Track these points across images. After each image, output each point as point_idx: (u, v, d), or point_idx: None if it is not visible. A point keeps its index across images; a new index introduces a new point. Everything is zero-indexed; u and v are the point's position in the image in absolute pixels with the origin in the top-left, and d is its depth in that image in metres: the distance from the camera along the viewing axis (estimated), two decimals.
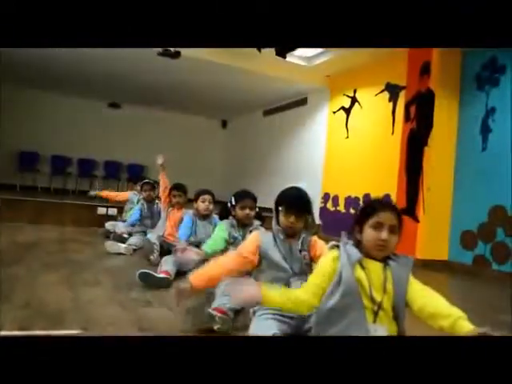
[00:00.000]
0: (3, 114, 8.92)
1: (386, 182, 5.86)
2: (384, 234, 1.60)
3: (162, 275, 3.03)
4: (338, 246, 1.69)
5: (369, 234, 1.64)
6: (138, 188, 5.79)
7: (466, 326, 1.43)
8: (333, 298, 1.58)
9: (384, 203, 1.75)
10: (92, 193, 6.30)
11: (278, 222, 2.11)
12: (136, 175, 7.79)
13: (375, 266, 1.61)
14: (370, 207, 1.70)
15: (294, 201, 2.09)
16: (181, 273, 3.35)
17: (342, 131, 7.08)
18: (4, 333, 1.84)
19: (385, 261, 1.64)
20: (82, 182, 9.81)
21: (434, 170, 5.31)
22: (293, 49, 5.92)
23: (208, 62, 6.38)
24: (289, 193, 2.13)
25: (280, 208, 2.08)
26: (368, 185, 6.32)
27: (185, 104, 10.08)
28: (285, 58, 6.00)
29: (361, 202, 6.46)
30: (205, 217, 3.78)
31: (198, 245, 3.63)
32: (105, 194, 6.14)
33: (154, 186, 5.07)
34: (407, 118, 5.60)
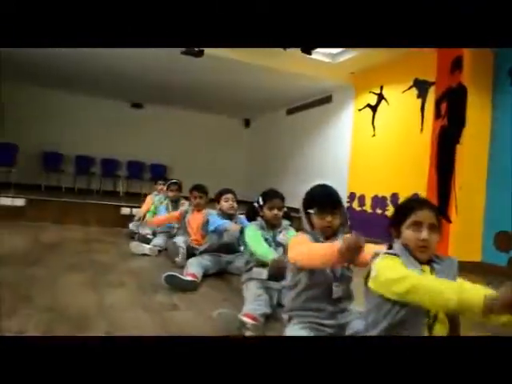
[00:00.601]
0: (27, 114, 9.01)
1: (415, 181, 5.67)
2: (424, 234, 1.49)
3: (189, 278, 2.93)
4: (394, 255, 1.52)
5: (408, 234, 1.53)
6: (158, 187, 5.72)
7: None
8: (397, 312, 1.44)
9: (421, 201, 1.63)
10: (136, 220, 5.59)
11: (311, 225, 1.96)
12: (159, 175, 7.72)
13: (427, 273, 1.49)
14: (407, 206, 1.59)
15: (327, 199, 1.95)
16: (207, 276, 3.27)
17: (368, 129, 6.91)
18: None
19: (429, 264, 1.52)
20: (106, 181, 9.84)
21: (466, 168, 5.11)
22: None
23: (230, 61, 6.27)
24: (318, 191, 1.99)
25: (312, 210, 1.93)
26: (396, 184, 6.14)
27: (207, 103, 10.01)
28: (310, 54, 5.87)
29: (388, 202, 6.29)
30: (230, 216, 3.67)
31: (226, 245, 3.54)
32: (143, 213, 5.52)
33: (181, 185, 4.97)
34: (438, 114, 5.41)
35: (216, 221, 3.57)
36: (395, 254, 1.52)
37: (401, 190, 5.95)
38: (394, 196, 6.15)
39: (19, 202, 5.87)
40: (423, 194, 5.43)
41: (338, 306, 1.90)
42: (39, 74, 8.32)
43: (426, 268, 1.51)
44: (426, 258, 1.52)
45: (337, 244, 1.62)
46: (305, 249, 1.82)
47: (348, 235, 1.59)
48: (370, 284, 1.52)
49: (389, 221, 1.65)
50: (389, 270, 1.44)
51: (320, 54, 6.48)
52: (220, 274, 3.46)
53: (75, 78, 8.45)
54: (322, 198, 1.94)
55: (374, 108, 6.84)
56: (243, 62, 6.36)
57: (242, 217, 3.43)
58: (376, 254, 1.55)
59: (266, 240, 2.67)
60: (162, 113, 10.51)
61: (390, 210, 6.29)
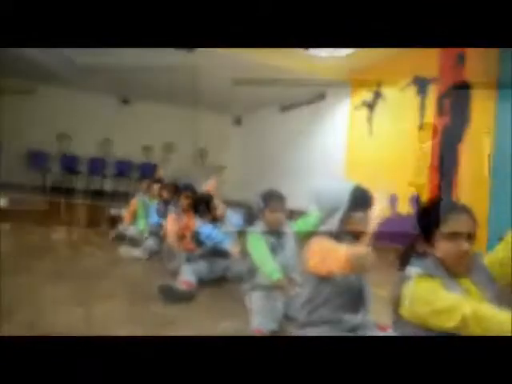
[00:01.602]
0: (12, 111, 8.70)
1: (414, 181, 5.50)
2: (466, 245, 1.28)
3: (184, 287, 2.70)
4: (430, 276, 1.28)
5: (445, 246, 1.30)
6: (144, 187, 5.42)
7: None
8: None
9: (459, 206, 1.41)
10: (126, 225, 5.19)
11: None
12: (148, 174, 7.43)
13: (473, 291, 1.27)
14: (442, 213, 1.35)
15: (371, 201, 1.80)
16: (201, 282, 3.04)
17: (364, 128, 6.73)
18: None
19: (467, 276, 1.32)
20: (93, 181, 9.54)
21: (470, 167, 4.93)
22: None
23: (221, 55, 6.02)
24: (363, 193, 1.83)
25: (358, 213, 1.77)
26: (394, 184, 5.96)
27: (197, 100, 9.74)
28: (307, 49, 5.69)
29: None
30: (221, 220, 3.44)
31: (222, 248, 3.29)
32: (128, 219, 5.21)
33: (178, 188, 4.66)
34: (440, 112, 5.24)
35: (212, 234, 3.28)
36: (431, 275, 1.28)
37: (399, 191, 5.78)
38: (392, 197, 5.97)
39: (2, 202, 5.61)
40: (423, 193, 5.28)
41: (359, 314, 1.74)
42: (23, 67, 8.02)
43: (467, 282, 1.31)
44: (466, 271, 1.31)
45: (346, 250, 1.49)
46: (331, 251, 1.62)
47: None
48: (404, 313, 1.28)
49: (416, 231, 1.43)
50: (431, 298, 1.22)
51: (316, 49, 6.27)
52: (217, 281, 3.22)
53: (61, 72, 8.15)
54: (370, 201, 1.80)
55: (370, 106, 6.66)
56: (234, 57, 6.12)
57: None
58: (406, 277, 1.31)
59: (271, 246, 2.44)
60: (151, 109, 10.23)
61: (386, 211, 6.11)
